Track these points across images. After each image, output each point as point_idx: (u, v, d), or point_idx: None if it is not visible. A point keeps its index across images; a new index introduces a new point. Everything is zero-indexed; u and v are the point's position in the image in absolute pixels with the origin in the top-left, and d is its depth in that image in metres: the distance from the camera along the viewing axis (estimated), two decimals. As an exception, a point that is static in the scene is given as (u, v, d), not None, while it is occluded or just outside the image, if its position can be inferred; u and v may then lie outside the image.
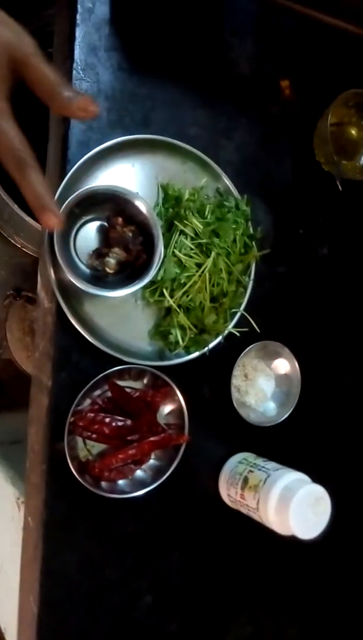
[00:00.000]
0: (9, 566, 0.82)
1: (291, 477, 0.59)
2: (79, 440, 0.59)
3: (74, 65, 0.58)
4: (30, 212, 0.92)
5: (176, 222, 0.60)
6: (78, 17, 0.58)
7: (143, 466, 0.61)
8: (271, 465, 0.62)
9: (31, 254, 1.10)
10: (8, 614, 0.82)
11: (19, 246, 1.09)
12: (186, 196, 0.61)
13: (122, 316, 0.61)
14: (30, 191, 0.41)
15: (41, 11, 0.99)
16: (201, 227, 0.60)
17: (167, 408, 0.62)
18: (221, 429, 0.66)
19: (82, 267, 0.58)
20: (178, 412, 0.62)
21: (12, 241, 1.08)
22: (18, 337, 0.89)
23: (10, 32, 0.41)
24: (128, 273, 0.59)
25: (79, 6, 0.58)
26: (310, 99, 0.72)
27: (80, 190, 0.55)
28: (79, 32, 0.58)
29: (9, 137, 0.41)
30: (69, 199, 0.54)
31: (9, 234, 1.07)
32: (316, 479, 0.60)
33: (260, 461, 0.64)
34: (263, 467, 0.62)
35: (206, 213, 0.62)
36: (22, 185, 0.41)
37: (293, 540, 0.58)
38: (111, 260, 0.58)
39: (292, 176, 0.72)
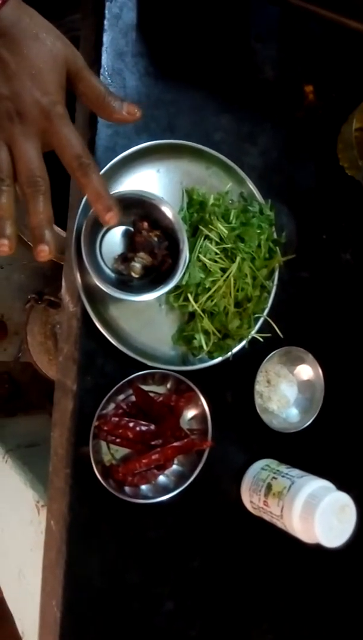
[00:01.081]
0: (28, 570, 0.82)
1: (316, 484, 0.58)
2: (103, 444, 0.59)
3: (102, 70, 0.58)
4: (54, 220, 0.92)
5: (201, 227, 0.60)
6: (106, 23, 0.58)
7: (166, 471, 0.61)
8: (295, 472, 0.62)
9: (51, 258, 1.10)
10: (27, 617, 0.82)
11: (39, 250, 1.10)
12: (211, 201, 0.61)
13: (146, 320, 0.61)
14: (92, 191, 0.46)
15: (62, 17, 1.00)
16: (226, 231, 0.60)
17: (190, 413, 0.62)
18: (244, 434, 0.66)
19: (108, 271, 0.59)
20: (201, 417, 0.62)
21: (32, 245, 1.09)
22: (39, 340, 0.90)
23: (66, 47, 0.45)
24: (153, 277, 0.59)
25: (106, 12, 0.58)
26: (333, 104, 0.72)
27: (107, 195, 0.55)
28: (106, 38, 0.58)
29: (72, 142, 0.45)
30: (96, 204, 0.54)
31: (29, 238, 1.07)
32: (339, 486, 0.59)
33: (284, 468, 0.63)
34: (286, 474, 0.61)
35: (231, 218, 0.61)
36: (84, 185, 0.46)
37: (316, 548, 0.58)
38: (137, 265, 0.58)
39: (315, 181, 0.72)
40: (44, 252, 0.45)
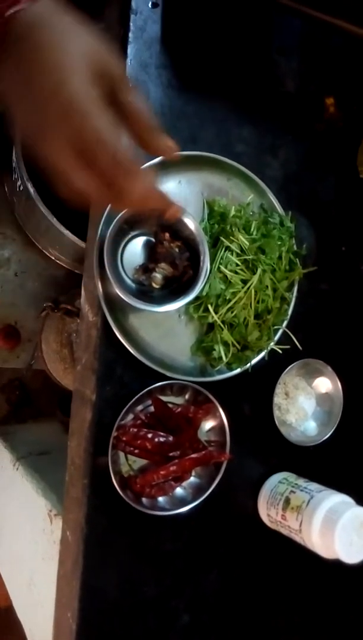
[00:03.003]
0: (39, 579, 0.81)
1: (336, 499, 0.57)
2: (121, 455, 0.59)
3: (126, 82, 0.59)
4: (67, 225, 0.93)
5: (222, 238, 0.60)
6: (131, 35, 0.59)
7: (183, 483, 0.60)
8: (313, 486, 0.61)
9: (65, 266, 1.11)
10: (37, 627, 0.82)
11: (53, 258, 1.10)
12: (232, 212, 0.61)
13: (165, 331, 0.61)
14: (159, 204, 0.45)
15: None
16: (247, 243, 0.60)
17: (208, 424, 0.62)
18: (262, 447, 0.66)
19: (129, 281, 0.59)
20: (219, 429, 0.61)
21: (47, 253, 1.09)
22: (55, 349, 0.90)
23: (110, 55, 0.41)
24: (173, 288, 0.59)
25: (131, 25, 0.59)
26: (354, 117, 0.72)
27: (130, 206, 0.55)
28: (131, 50, 0.59)
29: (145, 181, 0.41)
30: (119, 215, 0.54)
31: (44, 246, 1.08)
32: (358, 501, 0.59)
33: (302, 482, 0.63)
34: (305, 487, 0.61)
35: (252, 229, 0.62)
36: (133, 189, 0.41)
37: (335, 564, 0.57)
38: (158, 275, 0.58)
39: (335, 193, 0.72)
40: (174, 212, 0.47)
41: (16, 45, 0.39)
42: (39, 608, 0.80)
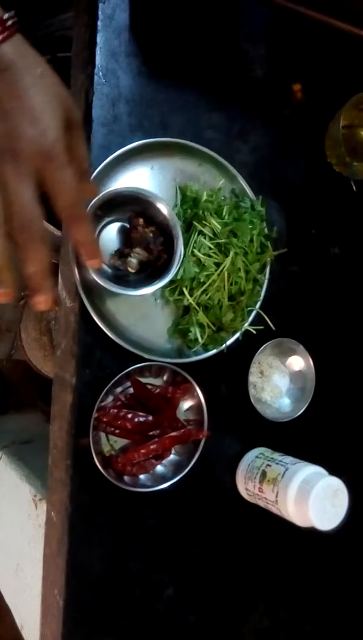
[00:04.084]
0: (26, 564, 0.83)
1: (309, 470, 0.60)
2: (103, 435, 0.61)
3: (96, 70, 0.60)
4: (47, 218, 0.93)
5: (194, 223, 0.62)
6: (99, 23, 0.60)
7: (164, 461, 0.62)
8: (288, 459, 0.64)
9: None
10: (26, 610, 0.83)
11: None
12: (204, 197, 0.63)
13: (142, 314, 0.63)
14: (80, 239, 0.47)
15: (53, 16, 1.01)
16: (220, 227, 0.62)
17: (186, 404, 0.64)
18: (238, 424, 0.68)
19: (104, 267, 0.60)
20: (197, 408, 0.63)
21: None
22: (34, 337, 0.90)
23: (67, 96, 0.44)
24: (149, 272, 0.61)
25: (100, 13, 0.60)
26: (321, 102, 0.74)
27: (104, 193, 0.56)
28: (100, 38, 0.60)
29: (66, 188, 0.43)
30: (93, 201, 0.55)
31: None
32: (331, 472, 0.61)
33: (277, 455, 0.65)
34: (280, 461, 0.63)
35: (224, 214, 0.63)
36: (73, 233, 0.47)
37: (310, 532, 0.60)
38: (133, 260, 0.59)
39: (304, 177, 0.74)
40: (43, 304, 0.43)
41: None
42: (27, 592, 0.82)
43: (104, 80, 0.60)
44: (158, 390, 0.62)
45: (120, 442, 0.62)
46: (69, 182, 0.43)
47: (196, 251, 0.61)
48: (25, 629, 0.83)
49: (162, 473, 0.62)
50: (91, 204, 0.55)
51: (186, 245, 0.61)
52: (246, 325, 0.65)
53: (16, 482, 0.89)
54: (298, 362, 0.71)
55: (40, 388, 1.31)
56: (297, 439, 0.70)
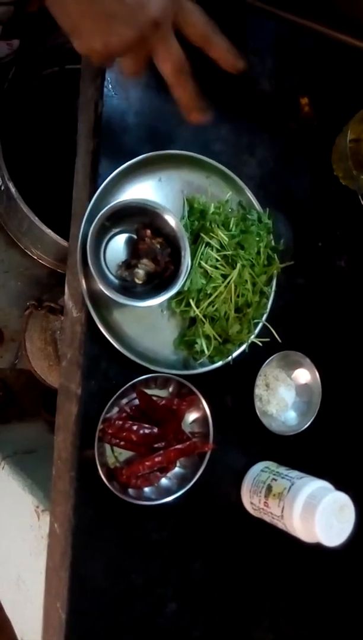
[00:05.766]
0: (27, 576, 0.82)
1: (316, 485, 0.60)
2: (107, 447, 0.60)
3: (105, 83, 0.60)
4: (49, 224, 0.94)
5: (202, 234, 0.62)
6: (109, 36, 0.60)
7: (168, 474, 0.62)
8: (294, 473, 0.63)
9: (47, 265, 1.12)
10: (26, 622, 0.83)
11: (35, 258, 1.11)
12: (212, 209, 0.63)
13: (148, 326, 0.62)
14: (185, 94, 0.52)
15: (59, 29, 1.02)
16: (227, 239, 0.62)
17: (192, 416, 0.64)
18: (244, 437, 0.68)
19: (112, 277, 0.60)
20: (202, 420, 0.63)
21: (29, 253, 1.10)
22: (39, 346, 0.90)
23: None
24: (156, 284, 0.61)
25: (110, 26, 0.60)
26: (328, 116, 0.74)
27: (112, 204, 0.56)
28: (110, 52, 0.60)
29: (173, 49, 0.49)
30: (101, 212, 0.56)
31: (26, 245, 1.08)
32: (337, 487, 0.61)
33: (283, 469, 0.65)
34: (286, 475, 0.63)
35: (231, 226, 0.63)
36: (179, 89, 0.51)
37: (316, 548, 0.59)
38: (140, 271, 0.59)
39: (311, 190, 0.74)
40: (201, 117, 0.54)
41: None
42: (28, 604, 0.81)
43: (113, 93, 0.61)
44: (163, 402, 0.62)
45: (125, 454, 0.61)
46: (173, 50, 0.49)
47: (203, 263, 0.61)
48: (26, 642, 0.83)
49: (167, 486, 0.61)
50: (99, 216, 0.56)
51: (193, 256, 0.61)
52: (252, 338, 0.65)
53: (18, 492, 0.88)
54: (305, 375, 0.71)
55: (44, 398, 1.31)
56: (303, 453, 0.70)
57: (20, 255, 1.12)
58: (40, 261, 1.10)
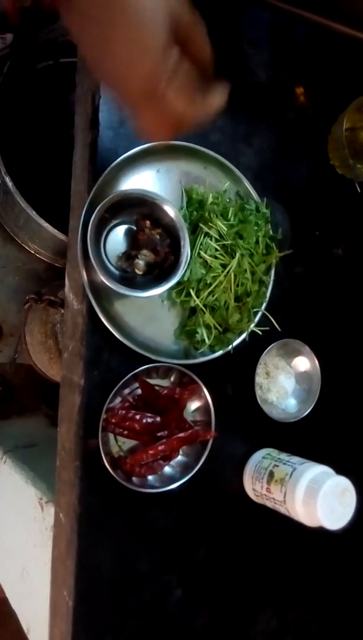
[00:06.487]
0: (32, 567, 0.83)
1: (317, 470, 0.60)
2: (111, 436, 0.61)
3: (102, 74, 0.60)
4: (46, 218, 0.94)
5: (201, 225, 0.62)
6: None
7: (172, 462, 0.63)
8: (295, 459, 0.64)
9: (45, 260, 1.12)
10: (32, 614, 0.83)
11: (33, 252, 1.11)
12: (210, 199, 0.64)
13: (149, 316, 0.63)
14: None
15: (52, 23, 1.02)
16: (226, 229, 0.62)
17: (194, 405, 0.64)
18: (245, 425, 0.68)
19: (112, 269, 0.60)
20: (204, 408, 0.64)
21: (27, 247, 1.10)
22: (40, 340, 0.91)
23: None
24: (156, 274, 0.61)
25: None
26: (324, 105, 0.75)
27: (111, 195, 0.57)
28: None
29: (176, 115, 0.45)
30: (101, 204, 0.56)
31: (24, 240, 1.08)
32: (338, 471, 0.62)
33: (284, 456, 0.65)
34: (287, 461, 0.64)
35: (229, 215, 0.64)
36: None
37: (318, 532, 0.60)
38: (140, 262, 0.60)
39: (308, 180, 0.74)
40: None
41: None
42: (33, 596, 0.81)
43: (110, 85, 0.61)
44: (165, 391, 0.62)
45: (128, 443, 0.62)
46: (173, 106, 0.44)
47: (202, 253, 0.62)
48: (32, 633, 0.83)
49: (170, 474, 0.62)
50: (98, 207, 0.56)
51: (192, 247, 0.62)
52: (252, 326, 0.66)
53: (21, 485, 0.89)
54: (304, 362, 0.71)
55: (44, 392, 1.31)
56: (304, 439, 0.70)
57: (18, 250, 1.12)
58: (37, 255, 1.11)
